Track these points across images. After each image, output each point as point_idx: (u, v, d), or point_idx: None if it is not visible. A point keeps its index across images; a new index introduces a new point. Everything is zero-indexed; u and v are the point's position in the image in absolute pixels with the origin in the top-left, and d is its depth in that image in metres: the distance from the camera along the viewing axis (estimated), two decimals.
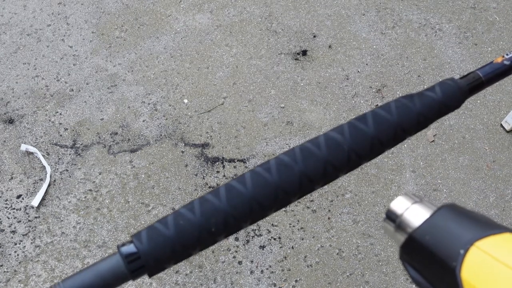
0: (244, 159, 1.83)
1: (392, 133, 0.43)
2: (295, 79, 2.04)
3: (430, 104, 0.45)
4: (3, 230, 1.66)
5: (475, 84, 0.47)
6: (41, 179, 1.77)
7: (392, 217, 0.39)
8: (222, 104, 1.97)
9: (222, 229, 0.40)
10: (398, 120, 0.43)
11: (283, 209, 1.72)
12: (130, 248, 0.39)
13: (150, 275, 0.39)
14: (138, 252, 0.38)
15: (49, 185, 1.75)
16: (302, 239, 1.66)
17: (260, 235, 1.66)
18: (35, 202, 1.70)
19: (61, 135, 1.88)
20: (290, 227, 1.68)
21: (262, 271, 1.60)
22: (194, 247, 0.39)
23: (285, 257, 1.62)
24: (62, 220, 1.69)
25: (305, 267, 1.61)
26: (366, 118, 0.44)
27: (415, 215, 0.37)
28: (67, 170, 1.79)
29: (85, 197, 1.73)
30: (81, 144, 1.86)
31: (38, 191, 1.74)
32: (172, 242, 0.39)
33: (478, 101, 1.99)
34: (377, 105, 1.97)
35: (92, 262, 0.41)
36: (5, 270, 1.59)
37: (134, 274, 0.39)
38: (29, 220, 1.68)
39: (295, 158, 0.42)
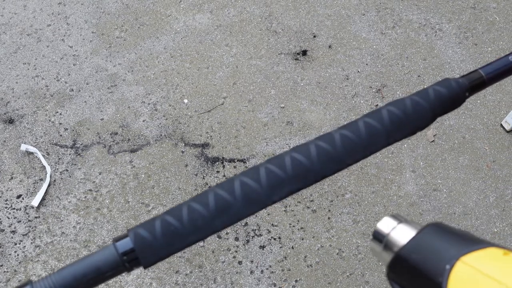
0: (244, 159, 1.83)
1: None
2: (295, 79, 2.04)
3: (432, 102, 0.45)
4: (3, 230, 1.67)
5: (476, 83, 0.47)
6: (41, 179, 1.77)
7: (379, 237, 0.40)
8: (222, 104, 1.97)
9: (209, 233, 0.41)
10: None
11: (283, 209, 1.72)
12: (126, 241, 0.39)
13: (145, 267, 0.40)
14: (133, 246, 0.39)
15: (49, 185, 1.75)
16: (302, 239, 1.66)
17: (260, 235, 1.66)
18: (35, 202, 1.70)
19: (61, 135, 1.88)
20: (290, 227, 1.68)
21: (262, 271, 1.60)
22: (188, 243, 0.40)
23: (285, 257, 1.62)
24: (62, 220, 1.69)
25: (305, 267, 1.61)
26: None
27: (402, 234, 0.39)
28: (67, 170, 1.79)
29: (85, 197, 1.73)
30: (81, 144, 1.86)
31: (38, 191, 1.74)
32: (165, 237, 0.39)
33: (478, 101, 1.99)
34: (377, 105, 1.97)
35: None
36: (5, 270, 1.59)
37: (129, 265, 0.39)
38: (29, 220, 1.68)
39: (285, 168, 0.42)
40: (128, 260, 0.39)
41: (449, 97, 0.45)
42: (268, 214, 1.70)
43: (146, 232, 0.39)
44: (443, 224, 0.37)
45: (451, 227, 0.36)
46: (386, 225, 0.40)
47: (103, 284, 1.62)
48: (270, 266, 1.60)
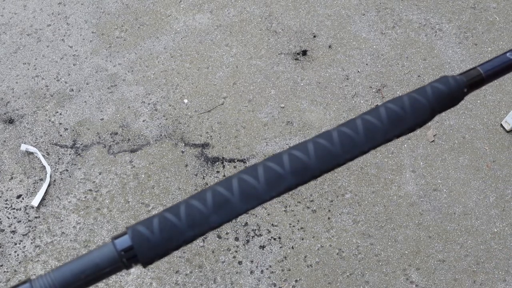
0: (244, 159, 1.83)
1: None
2: (295, 79, 2.04)
3: (431, 98, 0.45)
4: (3, 230, 1.67)
5: (474, 80, 0.47)
6: (41, 179, 1.77)
7: None
8: (222, 104, 1.97)
9: (207, 229, 0.41)
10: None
11: (283, 209, 1.72)
12: (124, 239, 0.39)
13: (144, 264, 0.40)
14: (131, 243, 0.39)
15: (49, 185, 1.75)
16: (302, 239, 1.66)
17: (260, 235, 1.66)
18: (35, 202, 1.70)
19: (61, 135, 1.88)
20: (290, 227, 1.68)
21: (262, 271, 1.60)
22: (185, 239, 0.40)
23: (285, 257, 1.62)
24: (62, 220, 1.69)
25: (305, 267, 1.61)
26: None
27: None
28: (67, 170, 1.79)
29: (85, 197, 1.73)
30: (81, 144, 1.86)
31: (38, 191, 1.74)
32: (163, 233, 0.39)
33: (478, 101, 1.99)
34: (377, 105, 1.97)
35: None
36: (5, 270, 1.59)
37: (127, 262, 0.39)
38: (29, 220, 1.68)
39: (283, 164, 0.42)
40: (127, 257, 0.39)
41: (448, 94, 0.45)
42: (268, 214, 1.70)
43: (145, 229, 0.39)
44: None
45: None
46: None
47: (103, 284, 1.62)
48: (270, 266, 1.61)
